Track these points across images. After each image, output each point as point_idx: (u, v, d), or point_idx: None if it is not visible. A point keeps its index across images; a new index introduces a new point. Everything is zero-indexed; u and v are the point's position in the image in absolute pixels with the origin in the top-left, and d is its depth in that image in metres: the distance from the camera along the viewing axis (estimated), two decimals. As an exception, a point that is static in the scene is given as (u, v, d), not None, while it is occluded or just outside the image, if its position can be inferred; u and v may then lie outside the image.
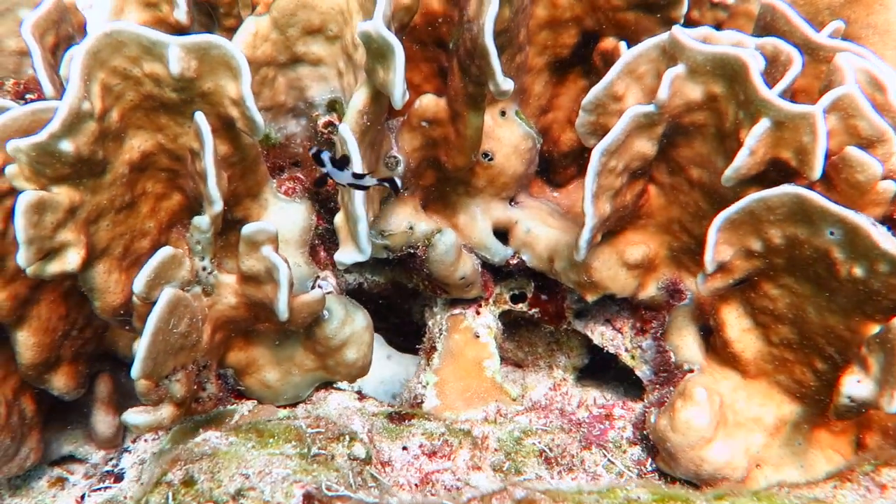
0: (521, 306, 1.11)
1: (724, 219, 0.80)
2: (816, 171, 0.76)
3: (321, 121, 0.98)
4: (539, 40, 1.08)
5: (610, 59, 1.05)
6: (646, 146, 0.88)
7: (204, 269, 0.86)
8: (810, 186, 0.77)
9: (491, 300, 1.09)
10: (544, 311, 1.10)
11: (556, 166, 1.18)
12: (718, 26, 1.07)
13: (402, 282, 1.11)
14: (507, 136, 1.04)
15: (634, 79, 0.89)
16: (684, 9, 1.00)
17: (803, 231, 0.76)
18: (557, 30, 1.07)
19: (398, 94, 0.78)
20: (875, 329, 0.74)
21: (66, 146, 0.76)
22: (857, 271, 0.72)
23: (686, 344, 0.92)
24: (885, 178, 0.77)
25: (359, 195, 0.80)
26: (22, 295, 0.90)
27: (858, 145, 0.78)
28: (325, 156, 0.81)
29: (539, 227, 1.04)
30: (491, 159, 1.03)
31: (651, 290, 0.99)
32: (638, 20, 1.03)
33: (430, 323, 1.11)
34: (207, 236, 0.84)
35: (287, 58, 0.96)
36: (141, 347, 0.76)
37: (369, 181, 0.81)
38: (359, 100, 0.84)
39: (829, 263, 0.75)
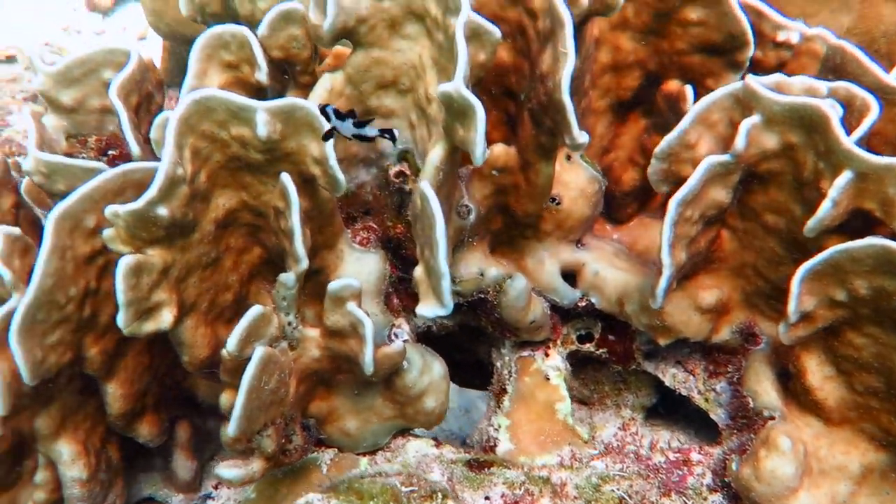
0: (589, 346, 1.11)
1: (808, 270, 0.80)
2: (903, 221, 0.76)
3: (392, 170, 1.00)
4: (602, 83, 1.09)
5: (674, 102, 1.06)
6: (721, 194, 0.89)
7: (289, 324, 0.88)
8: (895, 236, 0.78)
9: (559, 341, 1.10)
10: (612, 351, 1.10)
11: (616, 204, 1.19)
12: (782, 66, 1.07)
13: (469, 323, 1.12)
14: (573, 180, 1.05)
15: (707, 126, 0.90)
16: (751, 52, 1.01)
17: (891, 283, 0.76)
18: (620, 73, 1.08)
19: (479, 152, 0.80)
20: (968, 381, 0.73)
21: (162, 211, 0.78)
22: (949, 325, 0.72)
23: (764, 390, 0.92)
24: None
25: (442, 251, 0.81)
26: (111, 349, 0.92)
27: (945, 195, 0.78)
28: (330, 109, 0.80)
29: (607, 270, 1.05)
30: (558, 203, 1.04)
31: (724, 334, 0.99)
32: (702, 63, 1.04)
33: (498, 364, 1.12)
34: (293, 292, 0.87)
35: (360, 111, 0.98)
36: (237, 407, 0.78)
37: (370, 131, 0.80)
38: (436, 156, 0.85)
39: (919, 315, 0.75)
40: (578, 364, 1.16)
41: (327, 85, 0.94)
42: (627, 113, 1.14)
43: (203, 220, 0.86)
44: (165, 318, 0.83)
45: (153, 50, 3.61)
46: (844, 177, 0.78)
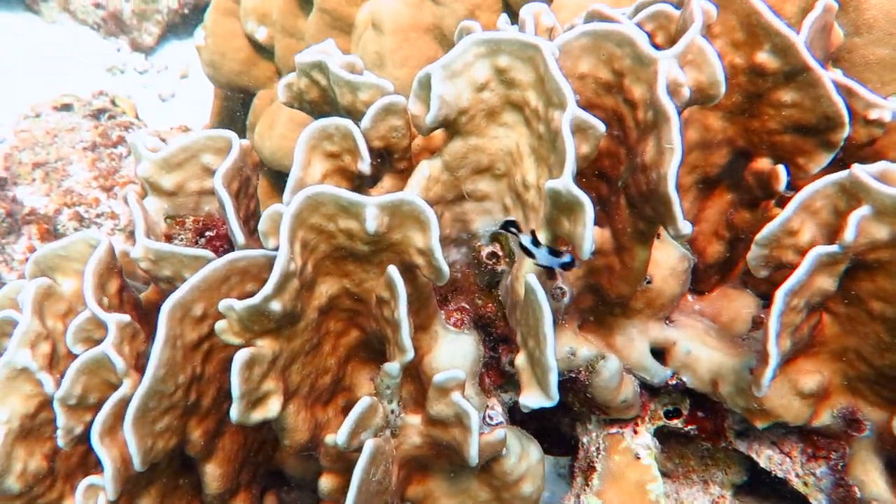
0: (677, 423, 1.10)
1: (925, 367, 0.79)
2: None
3: (485, 251, 1.01)
4: (689, 160, 1.09)
5: (765, 180, 1.06)
6: (827, 282, 0.88)
7: (392, 412, 0.89)
8: None
9: (647, 417, 1.09)
10: (702, 428, 1.09)
11: (699, 276, 1.18)
12: (872, 142, 1.07)
13: (554, 398, 1.12)
14: (664, 259, 1.05)
15: (810, 214, 0.89)
16: (846, 133, 1.00)
17: None
18: (708, 151, 1.08)
19: (587, 247, 0.80)
20: None
21: (276, 306, 0.80)
22: None
23: (872, 480, 0.90)
24: None
25: (550, 345, 0.81)
26: (211, 429, 0.94)
27: None
28: (526, 240, 0.84)
29: (700, 349, 1.04)
30: (649, 282, 1.04)
31: (825, 419, 0.98)
32: (794, 142, 1.03)
33: (584, 440, 1.11)
34: (396, 381, 0.87)
35: (454, 195, 0.99)
36: (349, 501, 0.78)
37: (566, 259, 0.84)
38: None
39: None
40: (663, 437, 1.14)
41: (426, 172, 0.95)
42: (713, 187, 1.14)
43: (308, 309, 0.87)
44: (273, 408, 0.84)
45: (197, 89, 3.69)
46: (962, 274, 0.77)
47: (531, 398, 0.85)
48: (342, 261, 0.89)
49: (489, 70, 0.91)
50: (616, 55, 0.91)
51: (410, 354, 0.84)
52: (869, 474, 0.91)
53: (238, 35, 2.42)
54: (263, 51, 2.41)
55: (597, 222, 1.01)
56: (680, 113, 0.92)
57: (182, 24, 3.91)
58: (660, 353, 1.08)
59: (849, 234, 0.83)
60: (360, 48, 1.97)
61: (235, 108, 2.62)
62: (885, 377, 0.89)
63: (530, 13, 1.00)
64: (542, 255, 0.84)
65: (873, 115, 1.04)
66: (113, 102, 3.10)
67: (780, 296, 0.85)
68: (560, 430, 1.20)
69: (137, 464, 0.83)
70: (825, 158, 1.04)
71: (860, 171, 0.85)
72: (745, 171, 1.09)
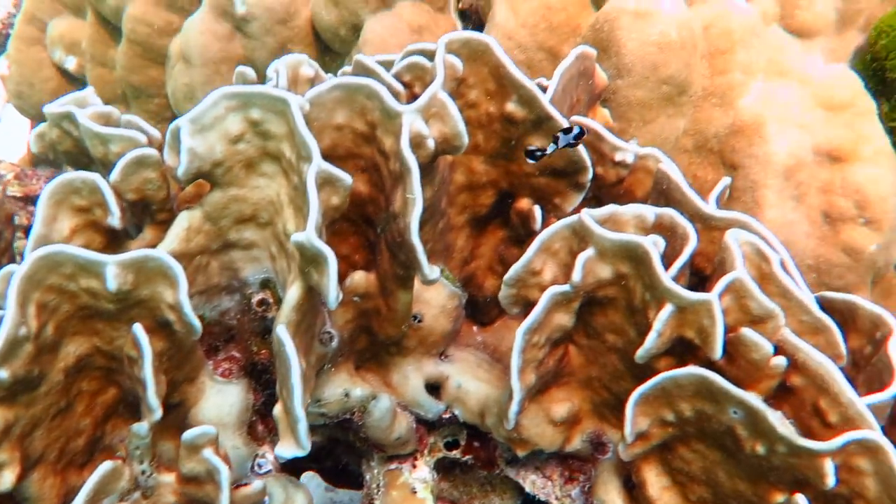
0: (456, 453, 1.15)
1: (640, 395, 0.87)
2: (717, 352, 0.84)
3: (255, 298, 1.02)
4: (459, 201, 1.15)
5: (525, 218, 1.13)
6: (564, 319, 0.95)
7: (143, 472, 0.87)
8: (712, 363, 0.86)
9: (426, 451, 1.13)
10: (477, 457, 1.15)
11: (481, 308, 1.24)
12: (621, 181, 1.17)
13: (338, 437, 1.14)
14: (434, 298, 1.09)
15: (550, 255, 0.97)
16: (589, 176, 1.09)
17: (710, 407, 0.84)
18: (475, 192, 1.15)
19: (332, 299, 0.83)
20: (781, 497, 0.81)
21: (2, 374, 0.77)
22: (759, 448, 0.80)
23: (612, 499, 0.98)
24: (777, 352, 0.86)
25: (297, 397, 0.83)
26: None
27: (752, 321, 0.87)
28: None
29: (470, 382, 1.10)
30: (420, 321, 1.08)
31: (576, 444, 1.05)
32: (549, 184, 1.11)
33: (367, 476, 1.14)
34: (146, 442, 0.86)
35: (220, 245, 0.99)
36: (86, 572, 0.76)
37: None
38: (293, 297, 0.87)
39: (735, 438, 0.83)
40: (448, 467, 1.19)
41: (185, 224, 0.95)
42: (486, 225, 1.20)
43: (51, 372, 0.84)
44: (6, 480, 0.80)
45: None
46: (666, 310, 0.86)
47: (285, 448, 0.86)
48: (90, 319, 0.86)
49: (243, 122, 0.92)
50: (368, 107, 0.95)
51: (158, 414, 0.84)
52: (609, 494, 0.99)
53: (46, 64, 2.31)
54: (75, 80, 2.30)
55: (365, 267, 1.05)
56: (431, 162, 0.98)
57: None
58: (437, 387, 1.12)
59: (576, 275, 0.91)
60: (172, 80, 1.93)
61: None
62: (621, 402, 0.97)
63: (285, 65, 1.03)
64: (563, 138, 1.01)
65: (618, 157, 1.14)
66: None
67: (519, 334, 0.91)
68: (349, 468, 1.23)
69: None
70: (577, 198, 1.12)
71: (586, 215, 0.93)
72: (511, 211, 1.16)
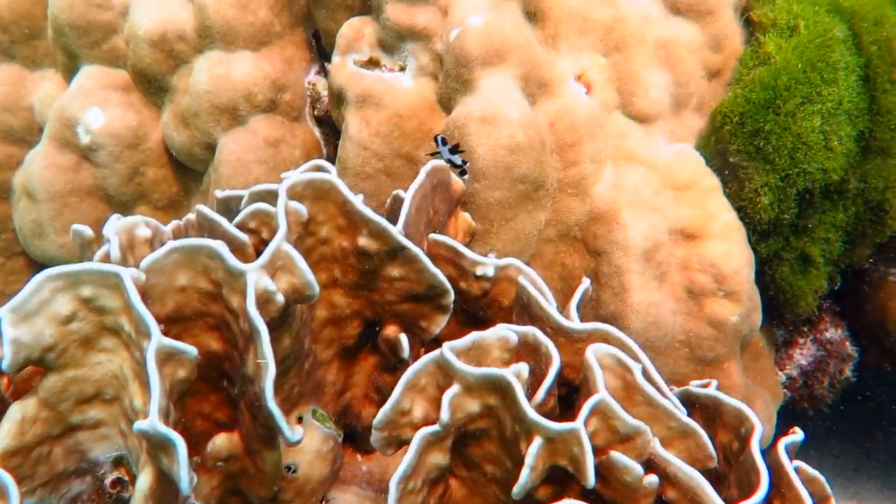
0: None
1: (521, 534, 0.85)
2: (590, 481, 0.84)
3: (108, 479, 0.94)
4: (324, 336, 1.12)
5: (393, 346, 1.11)
6: (439, 458, 0.93)
7: None
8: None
9: None
10: None
11: (362, 436, 1.20)
12: (485, 293, 1.17)
13: None
14: (308, 445, 1.05)
15: (417, 392, 0.95)
16: (451, 297, 1.09)
17: (590, 539, 0.83)
18: (341, 325, 1.12)
19: (185, 485, 0.77)
20: None
21: None
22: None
23: None
24: (649, 467, 0.86)
25: None
26: None
27: (621, 440, 0.87)
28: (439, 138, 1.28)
29: (354, 527, 1.05)
30: (295, 471, 1.03)
31: (472, 577, 1.02)
32: (413, 309, 1.10)
33: None
34: None
35: (62, 429, 0.91)
36: None
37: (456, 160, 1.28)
38: (144, 484, 0.81)
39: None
40: None
41: (17, 416, 0.87)
42: (356, 354, 1.17)
43: None
44: None
45: None
46: (536, 443, 0.85)
47: None
48: None
49: (74, 302, 0.86)
50: (210, 267, 0.91)
51: None
52: None
53: None
54: None
55: (230, 424, 1.00)
56: (285, 313, 0.94)
57: None
58: (324, 533, 1.07)
59: (444, 415, 0.89)
60: (18, 217, 1.81)
61: None
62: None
63: (115, 232, 0.98)
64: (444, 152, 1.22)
65: (479, 271, 1.14)
66: None
67: (392, 485, 0.88)
68: None
69: None
70: (442, 319, 1.11)
71: (448, 350, 0.91)
72: (379, 339, 1.13)
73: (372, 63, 1.56)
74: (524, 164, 1.36)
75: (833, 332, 1.74)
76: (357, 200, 1.01)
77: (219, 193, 1.23)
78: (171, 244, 0.90)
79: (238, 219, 1.01)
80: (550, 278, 1.46)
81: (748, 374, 1.50)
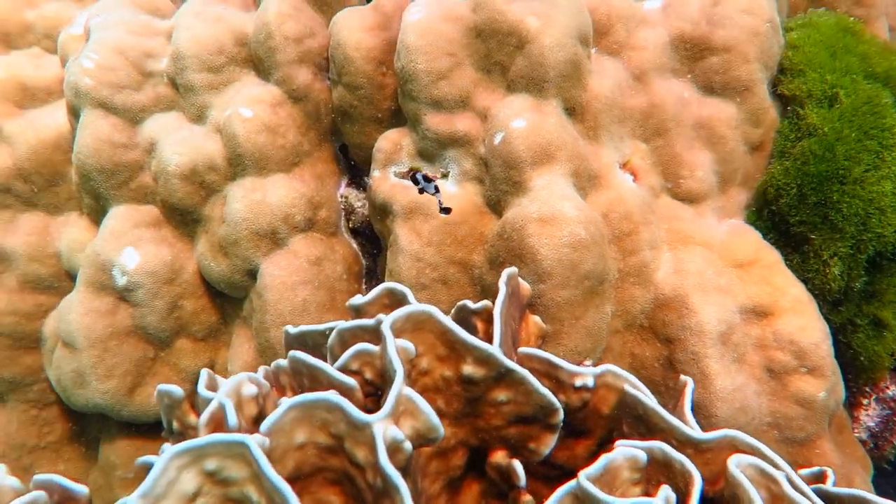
0: None
1: None
2: None
3: None
4: (432, 470, 1.07)
5: (504, 472, 1.06)
6: None
7: None
8: None
9: None
10: None
11: (474, 569, 1.14)
12: (586, 404, 1.13)
13: None
14: (435, 592, 0.98)
15: (557, 525, 0.89)
16: (560, 416, 1.05)
17: None
18: (446, 456, 1.07)
19: None
20: None
21: None
22: None
23: None
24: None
25: None
26: None
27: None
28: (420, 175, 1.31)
29: None
30: None
31: None
32: (520, 431, 1.06)
33: None
34: None
35: None
36: None
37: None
38: None
39: None
40: None
41: None
42: (460, 483, 1.12)
43: None
44: None
45: None
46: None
47: None
48: None
49: (198, 477, 0.81)
50: (330, 420, 0.87)
51: None
52: None
53: None
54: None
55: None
56: (407, 464, 0.90)
57: None
58: None
59: (597, 552, 0.84)
60: (55, 368, 1.75)
61: None
62: None
63: (226, 395, 0.93)
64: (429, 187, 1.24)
65: (578, 382, 1.11)
66: None
67: None
68: None
69: None
70: (552, 438, 1.07)
71: (586, 482, 0.87)
72: (486, 466, 1.08)
73: (413, 173, 1.55)
74: (589, 260, 1.35)
75: (894, 390, 1.72)
76: (458, 328, 0.98)
77: (291, 329, 1.19)
78: (287, 403, 0.86)
79: (341, 362, 0.97)
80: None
81: (838, 449, 1.47)
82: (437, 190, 1.40)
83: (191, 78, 1.69)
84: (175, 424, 1.03)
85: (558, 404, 1.03)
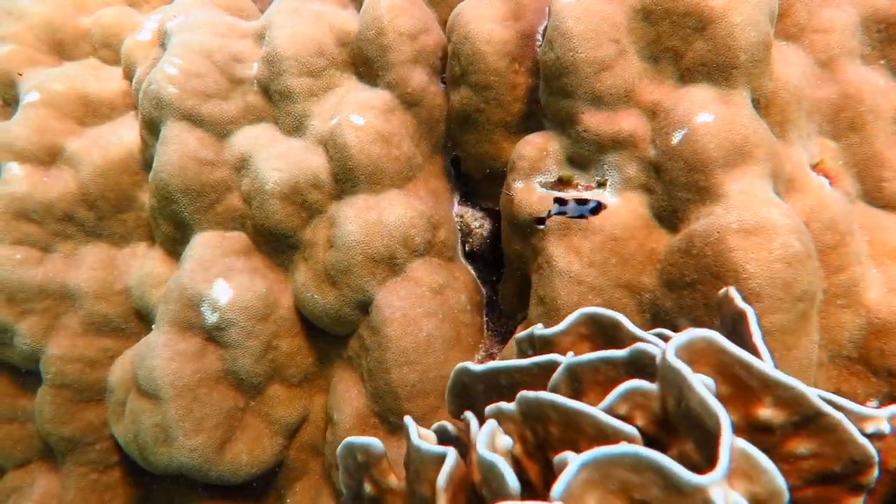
0: None
1: None
2: None
3: None
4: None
5: (800, 549, 0.81)
6: None
7: None
8: None
9: None
10: None
11: None
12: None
13: None
14: None
15: None
16: (875, 473, 0.81)
17: None
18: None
19: None
20: None
21: None
22: None
23: None
24: None
25: None
26: None
27: None
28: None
29: None
30: None
31: None
32: (818, 494, 0.81)
33: None
34: None
35: None
36: None
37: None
38: None
39: None
40: None
41: None
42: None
43: None
44: None
45: None
46: None
47: None
48: None
49: None
50: (634, 483, 0.62)
51: None
52: None
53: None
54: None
55: None
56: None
57: None
58: None
59: None
60: (131, 423, 1.48)
61: None
62: None
63: (489, 447, 0.68)
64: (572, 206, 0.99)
65: (870, 428, 0.87)
66: None
67: None
68: None
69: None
70: (856, 501, 0.83)
71: None
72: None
73: (562, 183, 1.32)
74: (804, 278, 1.12)
75: None
76: (755, 359, 0.74)
77: (474, 368, 0.94)
78: (578, 460, 0.61)
79: (605, 404, 0.73)
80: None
81: None
82: (595, 212, 1.16)
83: (289, 83, 1.47)
84: (367, 487, 0.78)
85: (876, 457, 0.78)
